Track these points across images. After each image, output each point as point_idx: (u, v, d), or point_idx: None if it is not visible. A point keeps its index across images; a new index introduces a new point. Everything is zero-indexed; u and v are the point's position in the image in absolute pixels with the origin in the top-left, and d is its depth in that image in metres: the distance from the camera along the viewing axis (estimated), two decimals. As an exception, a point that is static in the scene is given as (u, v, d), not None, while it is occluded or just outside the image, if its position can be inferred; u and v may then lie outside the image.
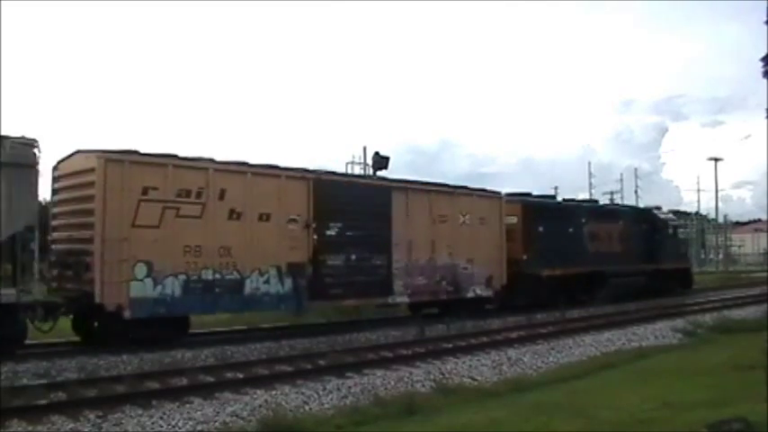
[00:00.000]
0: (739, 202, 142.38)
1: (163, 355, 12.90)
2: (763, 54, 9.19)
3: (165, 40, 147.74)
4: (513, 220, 22.26)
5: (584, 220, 25.71)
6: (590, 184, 75.79)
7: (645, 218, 30.62)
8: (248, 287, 14.69)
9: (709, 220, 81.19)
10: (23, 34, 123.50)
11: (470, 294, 19.61)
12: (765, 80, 8.99)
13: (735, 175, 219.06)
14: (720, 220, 78.68)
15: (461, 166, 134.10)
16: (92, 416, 8.43)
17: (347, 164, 26.01)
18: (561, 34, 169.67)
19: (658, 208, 34.84)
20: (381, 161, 24.93)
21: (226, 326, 17.32)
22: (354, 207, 16.81)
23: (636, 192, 77.26)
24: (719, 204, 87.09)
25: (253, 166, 15.25)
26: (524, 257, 22.20)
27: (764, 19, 8.66)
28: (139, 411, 8.70)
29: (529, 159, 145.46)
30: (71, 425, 8.15)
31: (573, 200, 29.07)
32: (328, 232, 16.29)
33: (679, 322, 18.45)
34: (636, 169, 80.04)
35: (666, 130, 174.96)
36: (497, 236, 20.80)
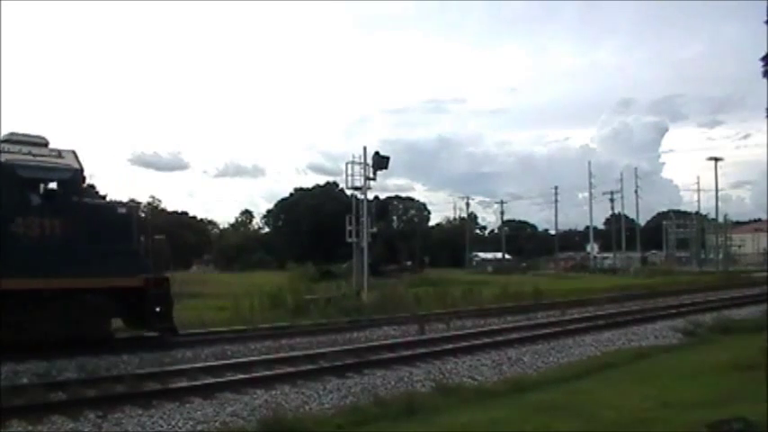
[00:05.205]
0: (739, 202, 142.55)
1: (163, 355, 12.93)
2: (762, 54, 9.22)
3: (164, 41, 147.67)
4: None
5: None
6: (590, 183, 76.13)
7: None
8: None
9: (709, 220, 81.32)
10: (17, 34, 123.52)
11: None
12: (765, 80, 9.01)
13: (734, 174, 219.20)
14: (720, 219, 78.86)
15: (460, 165, 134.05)
16: (92, 416, 8.45)
17: (347, 163, 25.76)
18: (561, 34, 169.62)
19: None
20: (381, 161, 24.89)
21: (225, 326, 17.30)
22: None
23: (636, 191, 77.69)
24: (719, 204, 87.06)
25: None
26: None
27: (764, 19, 8.68)
28: (139, 411, 8.71)
29: (528, 159, 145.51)
30: (71, 425, 8.17)
31: None
32: None
33: (679, 322, 18.41)
34: (636, 169, 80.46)
35: (666, 129, 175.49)
36: None
